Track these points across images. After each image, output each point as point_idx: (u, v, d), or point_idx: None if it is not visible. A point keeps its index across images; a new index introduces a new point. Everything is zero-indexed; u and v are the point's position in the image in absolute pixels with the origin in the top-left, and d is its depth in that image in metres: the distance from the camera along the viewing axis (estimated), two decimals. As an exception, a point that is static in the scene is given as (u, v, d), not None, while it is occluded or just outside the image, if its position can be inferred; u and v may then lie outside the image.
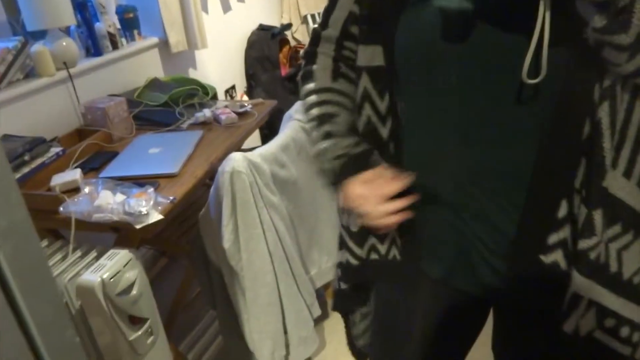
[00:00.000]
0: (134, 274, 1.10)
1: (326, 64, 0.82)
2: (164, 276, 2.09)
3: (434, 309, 0.83)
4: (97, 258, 1.13)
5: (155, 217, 1.17)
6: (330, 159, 0.79)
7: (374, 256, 0.83)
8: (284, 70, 2.96)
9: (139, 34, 2.14)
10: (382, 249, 0.81)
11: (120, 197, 1.22)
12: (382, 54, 0.70)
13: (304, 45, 3.18)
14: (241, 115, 1.80)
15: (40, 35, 1.72)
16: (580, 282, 0.67)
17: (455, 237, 0.74)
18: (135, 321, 1.12)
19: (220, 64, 2.70)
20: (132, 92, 1.96)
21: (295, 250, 1.53)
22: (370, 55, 0.72)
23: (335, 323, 1.82)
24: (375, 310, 0.90)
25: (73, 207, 1.20)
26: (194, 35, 2.30)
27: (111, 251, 1.12)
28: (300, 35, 3.36)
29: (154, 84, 1.98)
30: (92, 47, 1.89)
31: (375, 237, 0.81)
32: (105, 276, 1.04)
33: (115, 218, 1.16)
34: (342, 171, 0.78)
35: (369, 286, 0.90)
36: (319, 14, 3.17)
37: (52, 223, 1.32)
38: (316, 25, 0.84)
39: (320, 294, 1.70)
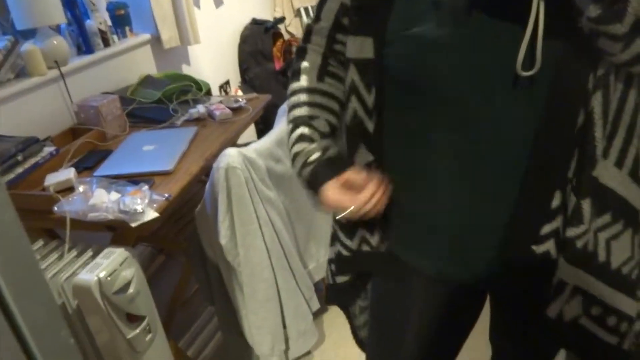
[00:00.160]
0: (131, 272, 1.10)
1: (314, 62, 0.81)
2: (161, 273, 2.09)
3: (429, 302, 0.83)
4: (93, 257, 1.12)
5: (151, 214, 1.17)
6: (300, 166, 0.78)
7: (365, 248, 0.83)
8: (278, 64, 2.94)
9: (131, 30, 2.13)
10: (373, 240, 0.81)
11: (115, 195, 1.21)
12: (371, 45, 0.70)
13: (297, 38, 3.16)
14: (235, 110, 1.79)
15: (30, 34, 1.70)
16: (566, 269, 0.67)
17: (448, 228, 0.74)
18: (133, 319, 1.11)
19: (213, 60, 2.68)
20: (125, 90, 1.94)
21: (293, 245, 1.53)
22: (359, 47, 0.71)
23: (335, 316, 1.82)
24: (371, 305, 0.91)
25: (68, 207, 1.19)
26: (186, 31, 2.29)
27: (107, 250, 1.12)
28: (293, 28, 3.34)
29: (147, 81, 1.97)
30: (84, 45, 1.88)
31: (365, 229, 0.81)
32: (101, 275, 1.04)
33: (111, 217, 1.16)
34: (312, 178, 0.77)
35: (364, 280, 0.90)
36: (312, 7, 3.15)
37: (47, 223, 1.31)
38: (305, 19, 0.83)
39: (318, 287, 1.70)
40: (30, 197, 1.28)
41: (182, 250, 1.64)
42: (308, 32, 0.82)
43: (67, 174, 1.33)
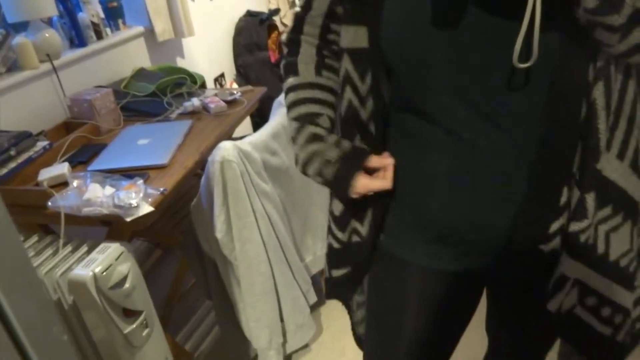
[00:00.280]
0: (126, 267, 1.09)
1: (310, 56, 0.79)
2: (158, 268, 2.08)
3: (426, 296, 0.82)
4: (89, 252, 1.12)
5: (146, 209, 1.16)
6: (320, 166, 0.76)
7: (355, 239, 0.82)
8: (274, 57, 2.92)
9: (124, 23, 2.10)
10: (363, 230, 0.81)
11: (109, 190, 1.20)
12: (366, 34, 0.69)
13: (292, 30, 3.14)
14: (230, 103, 1.78)
15: (22, 27, 1.68)
16: (568, 263, 0.67)
17: (447, 225, 0.73)
18: (130, 314, 1.11)
19: (208, 52, 2.66)
20: (118, 83, 1.93)
21: (290, 238, 1.53)
22: (353, 36, 0.70)
23: (332, 309, 1.82)
24: (368, 300, 0.90)
25: (62, 202, 1.18)
26: (180, 23, 2.26)
27: (102, 245, 1.11)
28: (288, 20, 3.31)
29: (140, 74, 1.95)
30: (76, 38, 1.86)
31: (356, 219, 0.81)
32: (97, 270, 1.03)
33: (105, 211, 1.15)
34: (339, 175, 0.75)
35: (360, 274, 0.89)
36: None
37: (41, 218, 1.30)
38: (298, 9, 0.80)
39: (316, 280, 1.70)
40: (23, 193, 1.27)
41: (178, 244, 1.63)
42: (299, 21, 0.80)
43: (61, 168, 1.32)
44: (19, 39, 1.59)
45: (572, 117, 0.61)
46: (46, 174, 1.30)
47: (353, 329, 1.01)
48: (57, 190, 1.22)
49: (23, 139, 1.38)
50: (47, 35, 1.67)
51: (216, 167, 1.25)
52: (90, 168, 1.38)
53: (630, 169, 0.64)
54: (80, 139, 1.55)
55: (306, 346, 1.67)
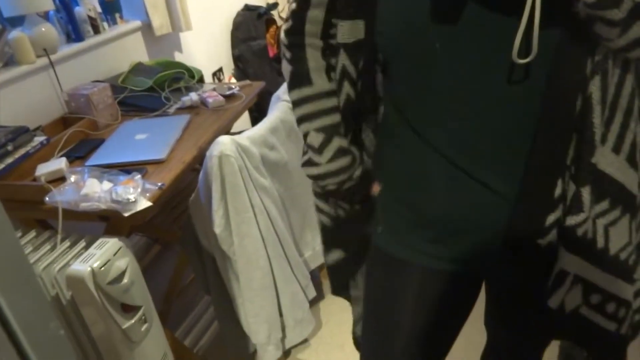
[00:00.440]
0: (125, 262, 1.09)
1: (319, 62, 0.76)
2: (157, 263, 2.08)
3: (423, 293, 0.82)
4: (87, 247, 1.11)
5: (144, 204, 1.16)
6: (342, 180, 0.82)
7: (340, 212, 0.86)
8: (272, 51, 2.91)
9: (121, 17, 2.09)
10: (345, 205, 0.85)
11: (107, 185, 1.20)
12: (363, 28, 0.68)
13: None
14: (228, 98, 1.77)
15: (18, 21, 1.67)
16: (567, 258, 0.67)
17: (443, 220, 0.73)
18: (128, 309, 1.11)
19: (206, 47, 2.65)
20: (116, 78, 1.92)
21: (288, 233, 1.53)
22: (348, 31, 0.69)
23: (331, 304, 1.82)
24: (365, 299, 0.90)
25: (59, 197, 1.17)
26: (178, 18, 2.25)
27: (100, 240, 1.11)
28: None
29: (138, 69, 1.94)
30: (73, 33, 1.84)
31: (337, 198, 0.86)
32: (95, 265, 1.03)
33: (103, 206, 1.14)
34: (348, 193, 0.84)
35: (356, 258, 0.90)
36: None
37: (39, 213, 1.30)
38: (293, 6, 0.75)
39: (315, 275, 1.70)
40: (21, 188, 1.26)
41: (177, 239, 1.63)
42: (299, 20, 0.76)
43: (59, 163, 1.31)
44: (15, 34, 1.58)
45: (568, 111, 0.61)
46: (44, 169, 1.29)
47: (353, 331, 1.01)
48: (54, 186, 1.22)
49: (20, 134, 1.37)
50: (43, 29, 1.66)
51: (214, 161, 1.25)
52: (87, 163, 1.37)
53: (627, 162, 0.64)
54: (77, 134, 1.55)
55: (305, 341, 1.67)
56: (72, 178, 1.24)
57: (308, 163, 0.82)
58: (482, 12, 0.59)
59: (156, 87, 1.83)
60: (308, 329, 1.59)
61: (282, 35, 0.79)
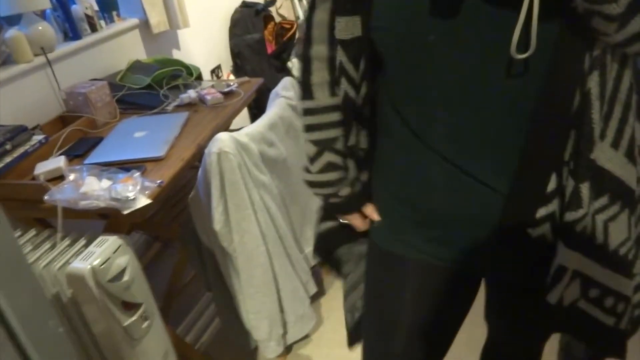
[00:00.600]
0: (125, 260, 1.09)
1: (322, 76, 0.77)
2: (158, 261, 2.08)
3: (424, 290, 0.82)
4: (87, 245, 1.11)
5: (143, 201, 1.15)
6: (328, 194, 0.85)
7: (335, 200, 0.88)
8: (270, 48, 2.90)
9: (118, 15, 2.08)
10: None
11: (106, 183, 1.19)
12: (359, 24, 0.68)
13: (289, 21, 3.11)
14: (227, 94, 1.77)
15: (14, 20, 1.67)
16: (566, 254, 0.67)
17: (440, 213, 0.73)
18: (129, 307, 1.11)
19: (204, 44, 2.64)
20: (114, 76, 1.91)
21: (289, 229, 1.53)
22: (344, 27, 0.69)
23: (332, 300, 1.82)
24: (366, 294, 0.90)
25: (58, 195, 1.17)
26: (175, 15, 2.24)
27: (100, 238, 1.11)
28: (285, 11, 3.28)
29: (136, 67, 1.94)
30: (70, 31, 1.84)
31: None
32: (95, 263, 1.03)
33: (102, 204, 1.14)
34: (336, 208, 0.88)
35: (348, 231, 0.91)
36: (303, -12, 3.10)
37: (38, 212, 1.29)
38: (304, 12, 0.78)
39: (315, 271, 1.70)
40: (20, 187, 1.26)
41: (177, 237, 1.63)
42: (307, 27, 0.76)
43: (57, 162, 1.31)
44: (12, 33, 1.58)
45: (566, 106, 0.61)
46: (42, 168, 1.29)
47: (347, 330, 1.00)
48: (53, 184, 1.21)
49: (18, 133, 1.37)
50: (40, 28, 1.65)
51: (213, 158, 1.24)
52: (86, 161, 1.37)
53: (626, 157, 0.63)
54: (76, 132, 1.54)
55: (306, 337, 1.67)
56: (71, 176, 1.23)
57: (304, 168, 0.86)
58: (480, 7, 0.59)
59: (154, 85, 1.82)
60: (309, 324, 1.59)
61: (297, 45, 0.82)
